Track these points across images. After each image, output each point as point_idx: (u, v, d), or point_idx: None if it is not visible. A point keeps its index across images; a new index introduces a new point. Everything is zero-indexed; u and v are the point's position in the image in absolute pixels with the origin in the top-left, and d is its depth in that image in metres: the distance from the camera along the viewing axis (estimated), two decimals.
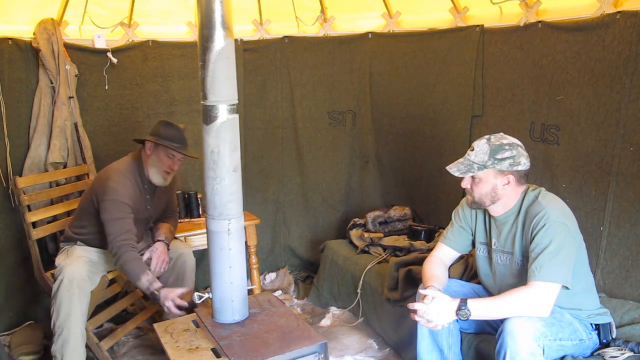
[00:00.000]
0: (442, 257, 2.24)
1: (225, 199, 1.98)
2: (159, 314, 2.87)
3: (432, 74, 3.36)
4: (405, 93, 3.52)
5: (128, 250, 2.37)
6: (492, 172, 1.96)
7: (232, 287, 2.05)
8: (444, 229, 2.35)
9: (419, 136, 3.49)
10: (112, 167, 2.58)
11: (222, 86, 1.90)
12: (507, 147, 1.94)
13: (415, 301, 1.97)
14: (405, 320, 2.45)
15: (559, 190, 2.56)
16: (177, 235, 3.09)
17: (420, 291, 1.98)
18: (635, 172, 2.31)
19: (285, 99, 3.69)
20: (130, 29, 3.33)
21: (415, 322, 1.99)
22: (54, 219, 2.95)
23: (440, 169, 3.34)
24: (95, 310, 2.65)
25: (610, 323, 2.02)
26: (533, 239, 1.88)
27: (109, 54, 3.20)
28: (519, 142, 1.99)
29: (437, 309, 1.88)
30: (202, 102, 1.94)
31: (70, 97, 3.05)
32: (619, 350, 1.94)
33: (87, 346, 2.45)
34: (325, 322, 3.12)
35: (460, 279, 2.43)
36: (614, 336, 2.03)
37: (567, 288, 1.84)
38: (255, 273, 3.40)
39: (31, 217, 2.77)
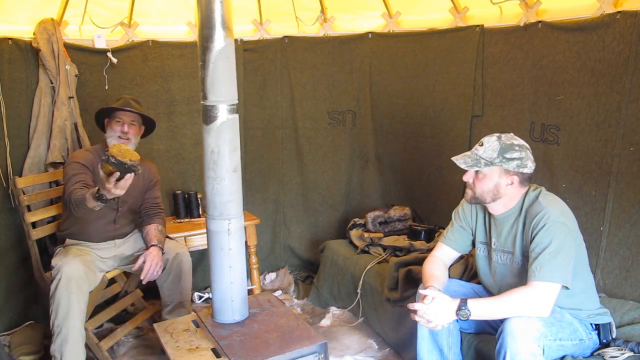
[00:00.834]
0: (442, 257, 2.24)
1: (225, 199, 1.98)
2: (159, 314, 2.87)
3: (432, 74, 3.36)
4: (405, 93, 3.52)
5: (75, 190, 2.37)
6: (498, 170, 1.96)
7: (232, 287, 2.06)
8: (444, 229, 2.35)
9: (419, 136, 3.49)
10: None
11: (222, 86, 1.90)
12: (517, 148, 1.95)
13: (415, 301, 1.97)
14: (405, 320, 2.46)
15: (559, 190, 2.57)
16: (177, 235, 3.10)
17: (420, 291, 1.99)
18: (635, 172, 2.31)
19: (285, 99, 3.69)
20: (130, 29, 3.33)
21: (415, 322, 1.99)
22: (54, 219, 2.94)
23: (440, 169, 3.36)
24: (95, 310, 2.65)
25: (610, 323, 2.03)
26: (533, 238, 1.88)
27: (109, 54, 3.20)
28: (527, 146, 1.99)
29: (437, 309, 1.88)
30: (202, 102, 1.94)
31: (70, 97, 3.04)
32: (619, 350, 1.94)
33: (86, 346, 2.44)
34: (325, 322, 3.11)
35: (460, 279, 2.43)
36: (614, 336, 2.03)
37: (567, 288, 1.84)
38: (255, 273, 3.41)
39: (31, 217, 2.77)
